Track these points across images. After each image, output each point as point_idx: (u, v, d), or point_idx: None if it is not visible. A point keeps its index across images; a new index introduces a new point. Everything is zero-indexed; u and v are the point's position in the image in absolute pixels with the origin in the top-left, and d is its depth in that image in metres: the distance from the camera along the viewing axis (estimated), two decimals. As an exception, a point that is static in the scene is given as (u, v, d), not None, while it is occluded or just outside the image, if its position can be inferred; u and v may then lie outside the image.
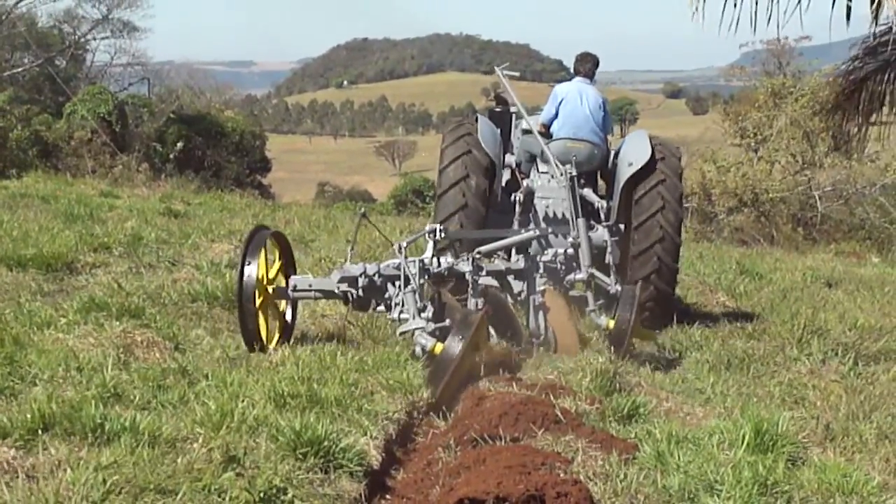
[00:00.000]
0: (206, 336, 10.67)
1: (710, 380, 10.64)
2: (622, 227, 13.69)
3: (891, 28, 13.11)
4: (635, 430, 8.44)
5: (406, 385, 9.13)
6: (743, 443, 7.80)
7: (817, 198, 39.07)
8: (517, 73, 16.15)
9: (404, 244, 10.77)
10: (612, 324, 11.42)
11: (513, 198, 13.53)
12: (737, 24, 12.37)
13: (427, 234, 11.37)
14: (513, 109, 15.18)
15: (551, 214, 13.69)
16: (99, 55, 66.32)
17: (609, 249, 12.68)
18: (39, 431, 7.02)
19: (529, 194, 13.62)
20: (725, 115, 46.05)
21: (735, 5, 12.18)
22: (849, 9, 11.90)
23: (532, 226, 13.24)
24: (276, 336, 10.89)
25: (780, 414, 8.58)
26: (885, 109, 16.27)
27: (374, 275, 10.86)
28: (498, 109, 15.35)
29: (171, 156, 46.37)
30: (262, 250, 10.71)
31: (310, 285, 11.13)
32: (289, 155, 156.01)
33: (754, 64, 51.98)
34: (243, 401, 8.02)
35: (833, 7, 11.86)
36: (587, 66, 14.64)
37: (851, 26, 11.90)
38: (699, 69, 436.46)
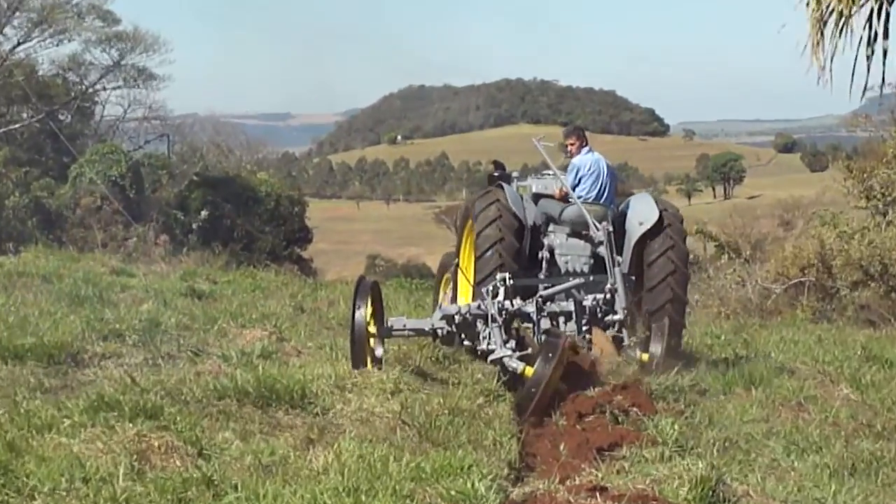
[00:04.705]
0: (234, 439, 10.61)
1: (831, 488, 10.53)
2: (633, 277, 17.44)
3: None
4: (743, 551, 8.40)
5: (471, 496, 9.03)
6: (871, 563, 7.75)
7: (959, 269, 38.65)
8: (552, 144, 20.42)
9: (490, 288, 15.08)
10: (645, 357, 15.65)
11: (539, 255, 18.02)
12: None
13: (499, 282, 15.15)
14: (522, 181, 19.56)
15: (571, 269, 17.88)
16: (110, 108, 67.05)
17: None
18: (39, 553, 7.08)
19: (551, 251, 18.10)
20: (848, 171, 45.48)
21: (867, 57, 12.09)
22: None
23: (573, 278, 17.21)
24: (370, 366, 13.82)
25: (914, 529, 8.52)
26: None
27: (465, 313, 14.78)
28: (496, 174, 19.16)
29: (195, 225, 46.64)
30: (369, 296, 14.19)
31: (404, 325, 15.03)
32: (333, 223, 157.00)
33: (881, 111, 51.32)
34: (279, 516, 8.04)
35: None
36: (585, 138, 19.21)
37: None
38: (816, 117, 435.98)
